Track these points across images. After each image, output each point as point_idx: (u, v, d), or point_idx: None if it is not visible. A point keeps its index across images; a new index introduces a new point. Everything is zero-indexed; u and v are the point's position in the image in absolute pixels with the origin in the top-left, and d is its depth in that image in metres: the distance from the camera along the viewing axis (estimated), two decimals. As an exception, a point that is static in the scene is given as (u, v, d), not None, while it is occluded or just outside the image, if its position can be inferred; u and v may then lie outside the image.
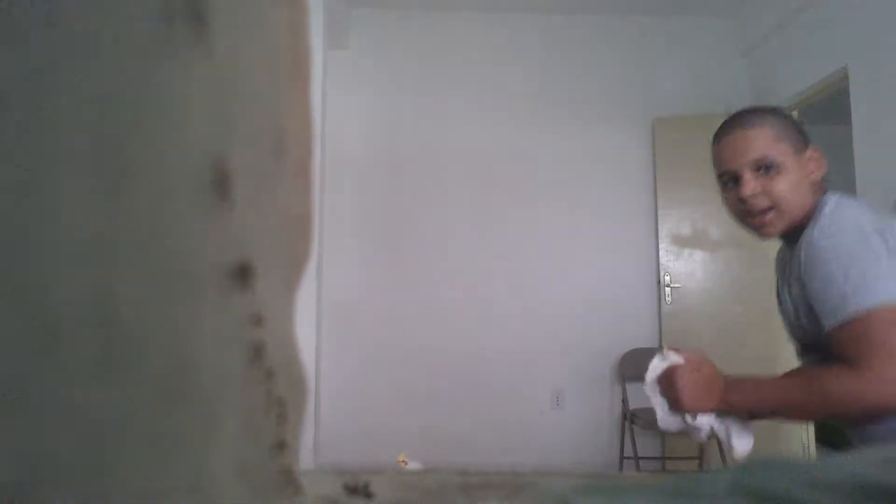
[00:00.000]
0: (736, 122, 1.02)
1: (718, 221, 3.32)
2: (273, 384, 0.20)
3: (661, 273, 3.36)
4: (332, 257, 3.21)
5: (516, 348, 3.35)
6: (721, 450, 2.90)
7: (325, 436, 2.86)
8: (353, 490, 0.27)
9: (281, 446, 0.20)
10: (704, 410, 0.92)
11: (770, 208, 0.96)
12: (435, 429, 3.27)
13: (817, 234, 0.89)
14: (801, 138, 1.00)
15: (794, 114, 3.25)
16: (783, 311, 1.10)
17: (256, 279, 0.19)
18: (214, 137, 0.17)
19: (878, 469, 0.18)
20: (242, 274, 0.18)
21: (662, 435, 3.26)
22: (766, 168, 0.96)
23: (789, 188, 0.95)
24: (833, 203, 0.95)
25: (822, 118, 4.19)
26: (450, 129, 3.48)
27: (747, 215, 0.98)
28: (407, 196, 3.44)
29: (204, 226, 0.16)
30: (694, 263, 3.33)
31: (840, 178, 4.92)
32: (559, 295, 3.37)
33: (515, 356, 3.35)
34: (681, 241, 3.37)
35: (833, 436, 3.63)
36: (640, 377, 3.50)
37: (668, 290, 3.33)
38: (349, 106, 3.40)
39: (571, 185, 3.48)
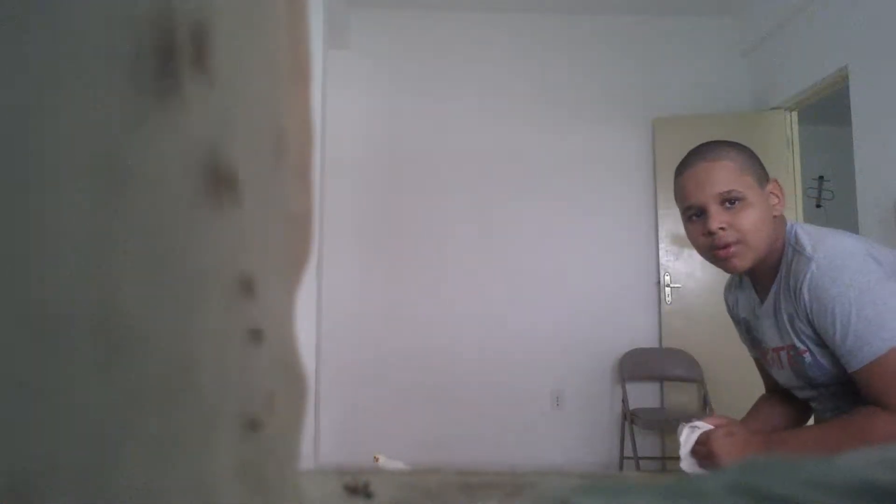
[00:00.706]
0: (699, 155, 1.01)
1: (718, 221, 3.32)
2: (273, 384, 0.20)
3: (661, 273, 3.36)
4: (332, 257, 3.21)
5: (516, 348, 3.35)
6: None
7: (325, 436, 2.86)
8: (353, 490, 0.27)
9: (281, 446, 0.20)
10: None
11: (737, 242, 0.95)
12: (435, 429, 3.27)
13: (819, 274, 0.89)
14: (763, 172, 1.00)
15: (794, 114, 3.25)
16: (762, 351, 1.11)
17: (257, 279, 0.19)
18: (214, 137, 0.17)
19: (878, 469, 0.18)
20: (243, 274, 0.18)
21: (662, 435, 3.26)
22: (731, 202, 0.96)
23: (755, 221, 0.95)
24: (807, 235, 0.95)
25: (822, 118, 4.19)
26: (450, 128, 3.48)
27: (714, 248, 0.97)
28: (407, 196, 3.44)
29: (205, 226, 0.16)
30: (694, 263, 3.33)
31: (840, 177, 4.93)
32: (559, 295, 3.37)
33: (515, 356, 3.35)
34: (681, 241, 3.36)
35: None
36: (640, 377, 3.50)
37: (668, 290, 3.33)
38: (349, 106, 3.40)
39: (571, 185, 3.48)
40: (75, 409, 0.13)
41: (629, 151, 3.51)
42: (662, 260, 3.37)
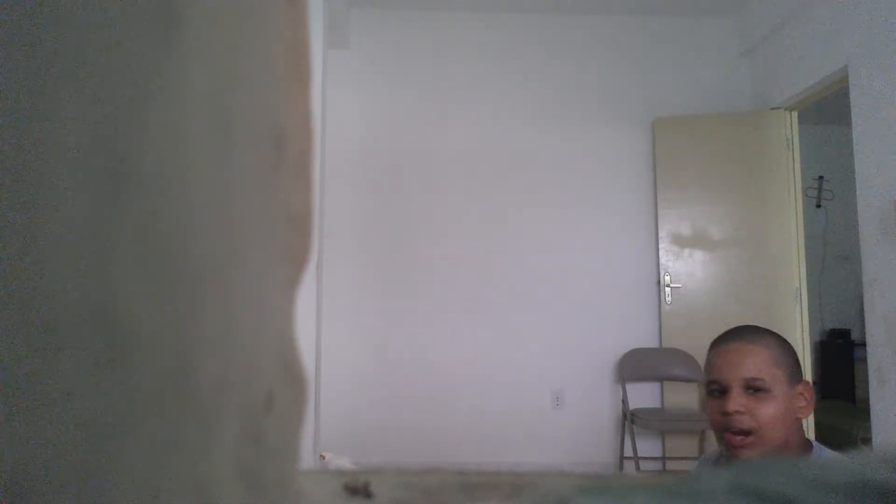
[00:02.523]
0: (737, 335, 1.01)
1: (718, 221, 3.32)
2: (273, 384, 0.20)
3: (661, 273, 3.36)
4: (332, 257, 3.21)
5: (516, 348, 3.35)
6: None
7: (325, 436, 2.86)
8: (353, 490, 0.27)
9: (281, 446, 0.20)
10: None
11: (750, 432, 0.93)
12: (435, 428, 3.27)
13: None
14: (797, 370, 0.98)
15: (794, 114, 3.25)
16: None
17: (258, 278, 0.19)
18: (214, 137, 0.17)
19: (878, 469, 0.18)
20: (244, 273, 0.18)
21: (662, 435, 3.26)
22: (755, 389, 0.94)
23: (774, 416, 0.93)
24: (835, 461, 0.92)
25: (822, 118, 4.20)
26: (449, 128, 3.48)
27: (726, 430, 0.96)
28: (406, 195, 3.44)
29: (205, 225, 0.16)
30: (694, 263, 3.33)
31: (840, 177, 4.94)
32: (559, 295, 3.37)
33: (515, 356, 3.35)
34: (681, 241, 3.37)
35: (833, 436, 3.63)
36: (640, 377, 3.51)
37: (668, 290, 3.33)
38: (349, 106, 3.40)
39: (571, 185, 3.48)
40: (75, 409, 0.13)
41: (629, 151, 3.51)
42: (662, 260, 3.37)
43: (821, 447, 0.97)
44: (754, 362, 0.95)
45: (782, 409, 0.93)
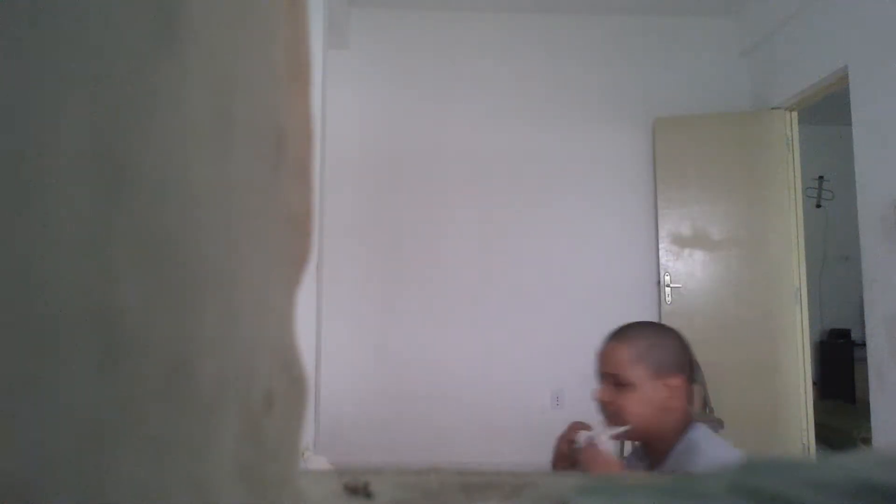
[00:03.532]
0: (614, 333, 1.12)
1: (718, 221, 3.32)
2: (273, 384, 0.20)
3: (661, 273, 3.36)
4: (332, 257, 3.21)
5: (516, 348, 3.35)
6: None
7: (325, 436, 2.86)
8: (353, 490, 0.27)
9: (281, 446, 0.20)
10: None
11: (616, 417, 1.04)
12: (435, 428, 3.27)
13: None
14: (668, 364, 1.06)
15: (794, 114, 3.25)
16: None
17: (258, 279, 0.19)
18: (214, 137, 0.17)
19: (878, 469, 0.18)
20: (245, 273, 0.18)
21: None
22: (617, 384, 1.05)
23: (636, 407, 1.03)
24: (702, 438, 1.03)
25: (822, 118, 4.20)
26: (450, 129, 3.48)
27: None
28: (406, 196, 3.44)
29: (205, 225, 0.16)
30: (694, 263, 3.33)
31: (840, 177, 4.93)
32: (559, 294, 3.37)
33: (515, 356, 3.34)
34: (681, 241, 3.37)
35: (833, 436, 3.63)
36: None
37: (668, 290, 3.33)
38: (349, 106, 3.40)
39: (572, 185, 3.48)
40: (75, 409, 0.13)
41: (629, 151, 3.51)
42: (662, 260, 3.37)
43: (697, 429, 1.04)
44: (616, 359, 1.06)
45: (644, 399, 1.03)
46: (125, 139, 0.14)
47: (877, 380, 2.43)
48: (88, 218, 0.14)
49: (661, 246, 3.38)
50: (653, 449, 1.10)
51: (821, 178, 4.78)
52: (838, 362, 4.52)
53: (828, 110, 3.56)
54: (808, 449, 3.06)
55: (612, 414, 1.05)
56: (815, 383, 3.42)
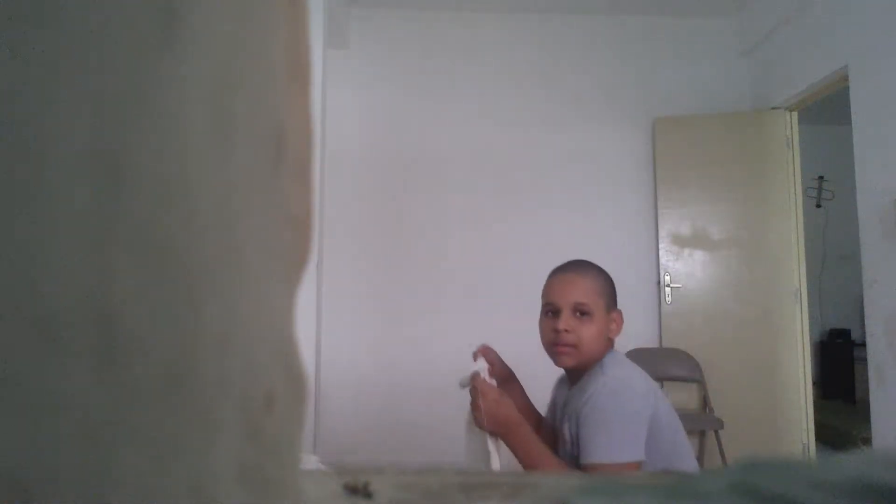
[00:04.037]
0: (573, 266, 1.24)
1: (718, 221, 3.32)
2: (273, 384, 0.20)
3: (661, 273, 3.36)
4: (332, 257, 3.21)
5: (517, 348, 3.34)
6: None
7: (325, 436, 2.86)
8: (353, 490, 0.27)
9: (281, 446, 0.20)
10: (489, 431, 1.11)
11: (574, 346, 1.15)
12: (435, 428, 3.27)
13: (603, 389, 1.09)
14: (614, 300, 1.22)
15: (794, 114, 3.25)
16: (560, 425, 1.30)
17: (258, 278, 0.19)
18: (214, 137, 0.17)
19: (878, 469, 0.18)
20: (244, 273, 0.18)
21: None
22: (581, 312, 1.16)
23: (593, 335, 1.16)
24: (616, 362, 1.17)
25: (822, 118, 4.20)
26: (449, 128, 3.48)
27: (554, 343, 1.18)
28: (407, 195, 3.44)
29: (206, 226, 0.16)
30: (694, 263, 3.33)
31: (840, 177, 4.92)
32: (559, 295, 3.37)
33: (516, 356, 3.34)
34: (681, 241, 3.36)
35: (833, 436, 3.63)
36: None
37: (668, 290, 3.33)
38: (349, 105, 3.40)
39: (571, 185, 3.48)
40: (74, 409, 0.13)
41: (629, 151, 3.50)
42: (662, 260, 3.37)
43: (611, 354, 1.18)
44: (582, 290, 1.18)
45: (599, 330, 1.17)
46: (125, 139, 0.14)
47: (877, 380, 2.43)
48: (88, 218, 0.14)
49: (661, 246, 3.38)
50: (574, 375, 1.22)
51: (821, 178, 4.78)
52: (838, 362, 4.52)
53: (828, 110, 3.56)
54: (808, 449, 3.06)
55: (570, 343, 1.15)
56: (815, 383, 3.42)
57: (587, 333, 1.15)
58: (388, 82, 3.49)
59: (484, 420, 1.09)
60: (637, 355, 3.29)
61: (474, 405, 1.11)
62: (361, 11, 3.49)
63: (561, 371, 1.33)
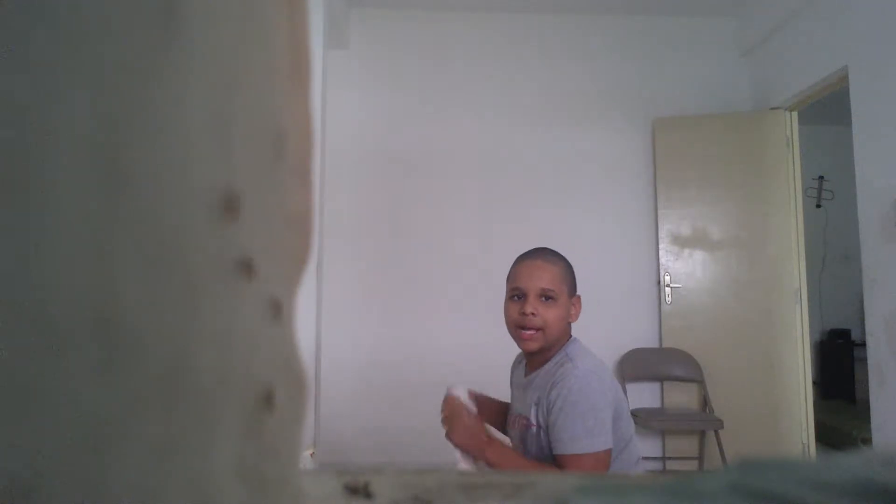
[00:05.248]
0: (539, 254, 1.30)
1: (718, 221, 3.32)
2: (273, 384, 0.20)
3: (661, 273, 3.36)
4: (332, 257, 3.21)
5: (517, 347, 3.34)
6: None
7: (325, 436, 2.86)
8: (353, 490, 0.27)
9: (281, 446, 0.20)
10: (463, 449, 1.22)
11: (539, 329, 1.21)
12: (435, 429, 3.26)
13: (576, 383, 1.14)
14: (574, 287, 1.30)
15: (794, 114, 3.25)
16: (511, 411, 1.36)
17: (259, 278, 0.19)
18: (214, 137, 0.17)
19: (878, 469, 0.18)
20: (245, 273, 0.18)
21: (662, 435, 3.26)
22: (546, 297, 1.22)
23: (557, 319, 1.22)
24: (582, 352, 1.23)
25: (822, 118, 4.20)
26: (449, 128, 3.48)
27: (520, 327, 1.23)
28: (406, 196, 3.44)
29: (206, 226, 0.16)
30: (694, 263, 3.33)
31: (840, 177, 4.92)
32: (559, 295, 3.37)
33: (516, 356, 3.34)
34: (681, 241, 3.36)
35: (833, 436, 3.63)
36: (640, 377, 3.52)
37: (668, 290, 3.33)
38: (349, 106, 3.40)
39: (571, 185, 3.48)
40: (75, 410, 0.13)
41: (629, 151, 3.50)
42: (662, 260, 3.37)
43: (574, 343, 1.25)
44: (549, 276, 1.24)
45: (562, 314, 1.23)
46: (125, 139, 0.14)
47: (877, 380, 2.43)
48: (88, 217, 0.14)
49: (661, 246, 3.38)
50: (536, 359, 1.27)
51: (821, 178, 4.78)
52: (838, 362, 4.52)
53: (828, 110, 3.56)
54: (808, 449, 3.06)
55: (535, 326, 1.20)
56: (815, 383, 3.42)
57: (552, 317, 1.21)
58: (388, 82, 3.49)
59: (455, 440, 1.21)
60: (637, 355, 3.29)
61: (447, 425, 1.23)
62: (361, 11, 3.49)
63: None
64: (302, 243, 0.22)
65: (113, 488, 0.14)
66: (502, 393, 3.40)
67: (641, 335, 3.36)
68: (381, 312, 3.37)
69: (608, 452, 1.12)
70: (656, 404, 3.33)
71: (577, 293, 1.31)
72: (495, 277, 3.40)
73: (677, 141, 3.37)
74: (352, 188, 3.39)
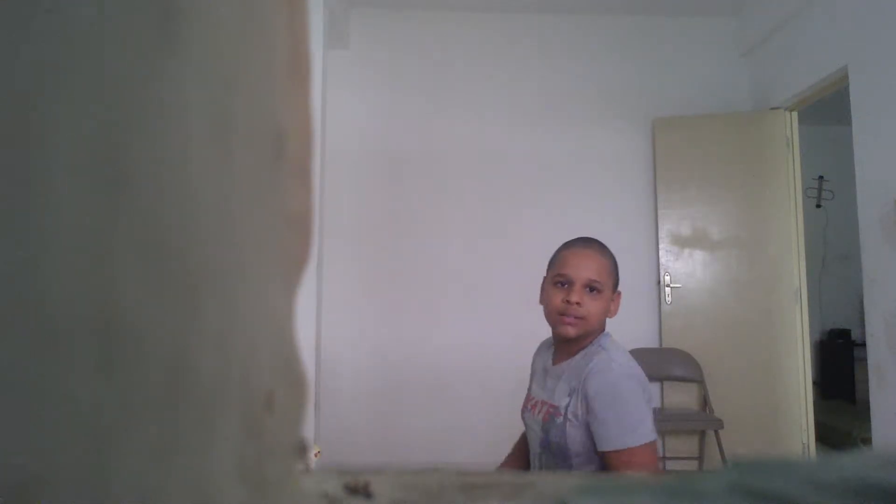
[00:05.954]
0: (590, 243, 1.29)
1: (718, 221, 3.32)
2: (273, 384, 0.20)
3: (661, 273, 3.36)
4: (332, 257, 3.21)
5: (517, 347, 3.34)
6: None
7: (325, 436, 2.86)
8: (353, 490, 0.27)
9: (281, 446, 0.20)
10: None
11: (580, 318, 1.20)
12: (435, 428, 3.27)
13: (612, 376, 1.15)
14: (618, 282, 1.29)
15: (794, 114, 3.25)
16: (530, 395, 1.36)
17: (259, 278, 0.19)
18: (214, 137, 0.17)
19: (878, 469, 0.18)
20: (245, 273, 0.18)
21: (662, 435, 3.26)
22: (592, 289, 1.22)
23: (598, 311, 1.22)
24: (616, 345, 1.23)
25: (822, 118, 4.19)
26: (449, 128, 3.48)
27: (562, 313, 1.22)
28: (406, 196, 3.44)
29: (205, 225, 0.16)
30: (694, 263, 3.33)
31: (840, 177, 4.92)
32: (559, 295, 3.37)
33: (516, 355, 3.34)
34: (681, 241, 3.36)
35: (833, 436, 3.63)
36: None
37: (668, 290, 3.33)
38: (349, 106, 3.40)
39: (571, 186, 3.48)
40: (76, 409, 0.13)
41: (629, 151, 3.50)
42: (662, 260, 3.37)
43: (607, 336, 1.25)
44: (597, 267, 1.23)
45: (603, 308, 1.23)
46: (125, 139, 0.14)
47: (877, 380, 2.43)
48: (89, 218, 0.14)
49: (661, 246, 3.38)
50: (569, 347, 1.26)
51: (821, 178, 4.78)
52: (838, 362, 4.52)
53: (828, 110, 3.56)
54: (808, 449, 3.06)
55: (579, 315, 1.20)
56: (815, 383, 3.42)
57: (595, 309, 1.21)
58: (388, 82, 3.49)
59: None
60: (637, 355, 3.27)
61: None
62: (361, 11, 3.49)
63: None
64: (302, 243, 0.22)
65: (114, 488, 0.14)
66: (503, 393, 3.40)
67: (641, 335, 3.36)
68: (381, 312, 3.37)
69: (654, 444, 1.12)
70: (656, 404, 3.33)
71: (619, 291, 1.31)
72: (495, 276, 3.41)
73: (677, 141, 3.37)
74: (352, 188, 3.39)
